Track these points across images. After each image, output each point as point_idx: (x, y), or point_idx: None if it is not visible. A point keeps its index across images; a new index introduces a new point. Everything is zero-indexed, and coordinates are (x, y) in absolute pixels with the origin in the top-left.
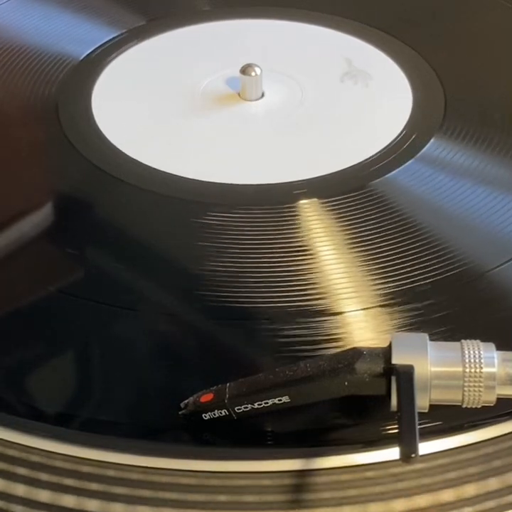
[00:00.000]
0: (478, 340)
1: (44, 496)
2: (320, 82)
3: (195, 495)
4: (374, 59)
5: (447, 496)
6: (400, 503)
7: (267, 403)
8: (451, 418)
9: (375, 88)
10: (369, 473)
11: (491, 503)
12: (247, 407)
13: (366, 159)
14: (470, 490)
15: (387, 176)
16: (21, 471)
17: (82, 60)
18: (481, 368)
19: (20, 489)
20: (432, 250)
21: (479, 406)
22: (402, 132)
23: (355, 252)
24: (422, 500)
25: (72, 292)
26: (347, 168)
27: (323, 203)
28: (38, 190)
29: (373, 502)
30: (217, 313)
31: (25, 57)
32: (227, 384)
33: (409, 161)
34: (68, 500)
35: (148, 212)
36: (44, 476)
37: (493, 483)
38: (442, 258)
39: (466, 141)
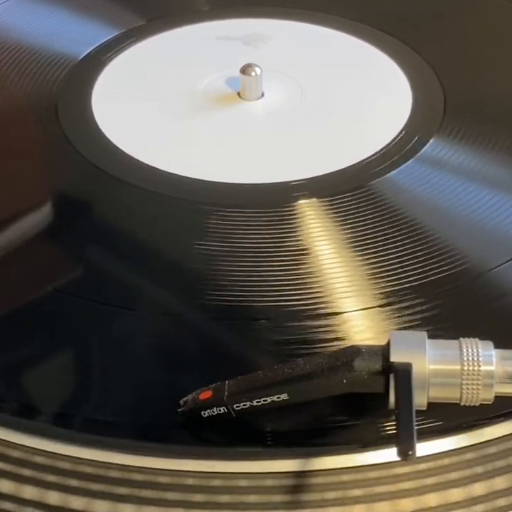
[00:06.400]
0: (476, 339)
1: (51, 497)
2: (320, 82)
3: (191, 494)
4: (374, 59)
5: (452, 495)
6: (401, 503)
7: (266, 401)
8: (452, 418)
9: (375, 88)
10: (369, 474)
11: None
12: (245, 405)
13: (366, 159)
14: (475, 489)
15: (386, 175)
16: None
17: (81, 59)
18: (479, 365)
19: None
20: (432, 250)
21: (477, 404)
22: (401, 132)
23: (354, 251)
24: (423, 500)
25: (72, 292)
26: (346, 168)
27: (322, 203)
28: (38, 190)
29: (374, 502)
30: (216, 313)
31: (25, 57)
32: (226, 381)
33: (409, 161)
34: (74, 501)
35: (148, 212)
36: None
37: (498, 483)
38: (442, 258)
39: (466, 141)
